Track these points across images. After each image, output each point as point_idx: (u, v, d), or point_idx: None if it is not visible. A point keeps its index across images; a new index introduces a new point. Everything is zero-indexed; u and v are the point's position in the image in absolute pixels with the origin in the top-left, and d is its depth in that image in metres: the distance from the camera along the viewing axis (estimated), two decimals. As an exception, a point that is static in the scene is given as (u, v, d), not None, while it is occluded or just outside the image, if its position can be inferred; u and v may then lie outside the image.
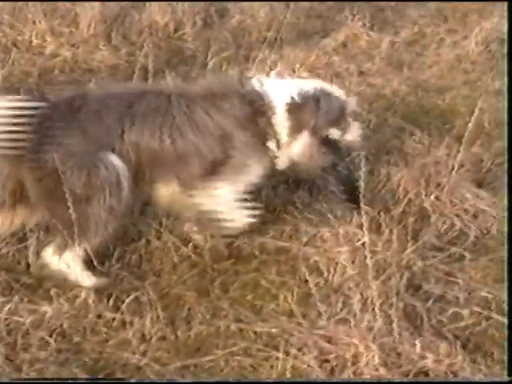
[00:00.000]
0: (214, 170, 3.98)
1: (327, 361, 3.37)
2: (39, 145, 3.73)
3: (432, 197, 4.49)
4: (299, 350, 3.43)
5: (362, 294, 3.66)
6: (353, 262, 3.91)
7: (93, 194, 3.76)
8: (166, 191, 4.04)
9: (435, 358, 3.32)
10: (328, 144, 4.13)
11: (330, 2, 7.35)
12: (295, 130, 4.07)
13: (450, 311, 3.71)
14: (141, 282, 3.89)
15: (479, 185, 4.70)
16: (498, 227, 4.32)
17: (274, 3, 6.94)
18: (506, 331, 3.58)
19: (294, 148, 4.10)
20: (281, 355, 3.40)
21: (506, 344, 3.51)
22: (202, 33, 6.70)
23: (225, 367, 3.43)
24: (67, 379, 3.35)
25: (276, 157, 4.10)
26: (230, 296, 3.87)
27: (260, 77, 4.22)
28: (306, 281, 3.75)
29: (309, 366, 3.35)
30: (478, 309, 3.73)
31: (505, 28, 5.72)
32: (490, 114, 5.30)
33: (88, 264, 3.89)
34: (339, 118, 4.15)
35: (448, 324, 3.64)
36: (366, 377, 3.27)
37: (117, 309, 3.72)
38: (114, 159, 3.81)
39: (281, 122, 4.05)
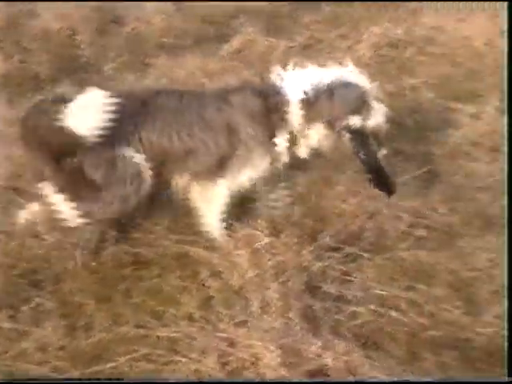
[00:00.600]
0: (221, 163, 4.12)
1: (228, 363, 3.40)
2: None
3: (330, 198, 4.56)
4: (201, 353, 3.45)
5: (261, 296, 3.71)
6: (252, 265, 3.94)
7: (112, 183, 3.95)
8: (181, 183, 4.23)
9: (334, 356, 3.38)
10: (350, 132, 4.15)
11: (225, 9, 7.40)
12: (310, 123, 4.13)
13: (347, 310, 3.79)
14: (39, 291, 3.84)
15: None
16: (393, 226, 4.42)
17: (169, 11, 6.95)
18: (506, 331, 3.65)
19: (311, 140, 4.18)
20: (183, 359, 3.42)
21: (506, 344, 3.58)
22: (97, 40, 6.64)
23: (127, 373, 3.42)
24: (67, 379, 3.37)
25: (281, 153, 4.17)
26: (131, 302, 3.86)
27: (281, 70, 4.22)
28: (206, 285, 3.79)
29: (211, 368, 3.37)
30: (374, 306, 3.81)
31: (505, 28, 5.80)
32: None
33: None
34: (358, 106, 4.14)
35: (346, 322, 3.72)
36: (267, 377, 3.32)
37: (14, 319, 3.66)
38: (133, 153, 4.00)
39: (295, 117, 4.11)
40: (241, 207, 4.31)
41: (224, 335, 3.51)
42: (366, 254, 4.21)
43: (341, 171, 4.69)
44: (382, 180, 4.15)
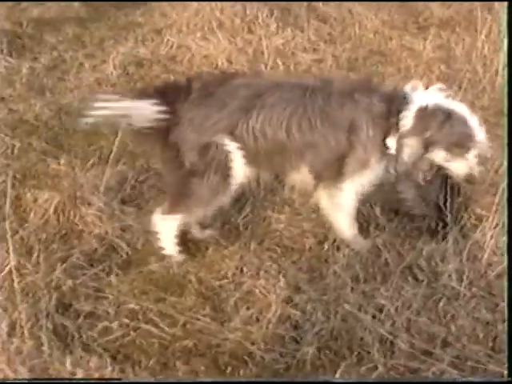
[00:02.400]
0: (339, 162, 4.15)
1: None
2: (170, 120, 4.10)
3: (81, 216, 4.55)
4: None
5: (10, 318, 3.61)
6: (0, 288, 3.84)
7: (201, 171, 4.13)
8: (298, 177, 4.31)
9: (86, 373, 3.37)
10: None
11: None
12: (411, 133, 4.08)
13: (100, 326, 3.80)
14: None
15: (124, 202, 4.83)
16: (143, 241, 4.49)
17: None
18: (506, 331, 3.71)
19: (403, 150, 4.13)
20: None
21: (506, 344, 3.65)
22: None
23: None
24: (67, 379, 3.32)
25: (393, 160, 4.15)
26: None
27: (416, 85, 4.22)
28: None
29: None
30: (126, 320, 3.85)
31: (505, 28, 5.78)
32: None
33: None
34: (457, 144, 4.11)
35: (98, 338, 3.72)
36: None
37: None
38: (230, 143, 4.13)
39: (406, 123, 4.07)
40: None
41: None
42: (118, 270, 4.23)
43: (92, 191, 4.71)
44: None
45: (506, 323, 3.73)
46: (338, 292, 3.99)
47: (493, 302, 3.91)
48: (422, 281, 4.03)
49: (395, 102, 4.15)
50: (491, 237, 4.23)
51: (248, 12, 7.27)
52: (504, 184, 4.21)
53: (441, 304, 3.89)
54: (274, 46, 6.90)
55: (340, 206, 4.32)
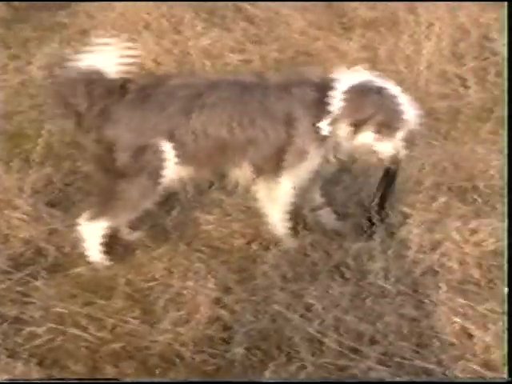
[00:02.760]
0: (279, 155, 4.19)
1: None
2: (105, 121, 4.08)
3: (6, 219, 4.49)
4: None
5: None
6: None
7: (132, 173, 4.11)
8: (241, 174, 4.33)
9: (11, 379, 3.32)
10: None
11: None
12: (341, 116, 4.13)
13: (26, 331, 3.74)
14: None
15: (52, 205, 4.77)
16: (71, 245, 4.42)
17: None
18: (506, 331, 3.69)
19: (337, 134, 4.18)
20: None
21: (506, 344, 3.63)
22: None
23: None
24: (67, 379, 3.37)
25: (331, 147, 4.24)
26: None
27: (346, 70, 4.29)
28: None
29: None
30: (53, 325, 3.80)
31: (505, 28, 5.75)
32: (58, 136, 5.38)
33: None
34: (385, 124, 4.13)
35: (24, 344, 3.67)
36: None
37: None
38: (167, 145, 4.12)
39: (335, 107, 4.12)
40: None
41: None
42: (45, 274, 4.17)
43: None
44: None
45: (505, 323, 3.76)
46: (267, 292, 4.01)
47: (418, 299, 3.98)
48: (350, 279, 4.08)
49: (327, 89, 4.19)
50: (416, 235, 4.30)
51: (174, 13, 7.26)
52: (504, 183, 4.41)
53: (368, 302, 3.93)
54: (201, 46, 6.90)
55: (276, 199, 4.36)
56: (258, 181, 4.34)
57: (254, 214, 4.58)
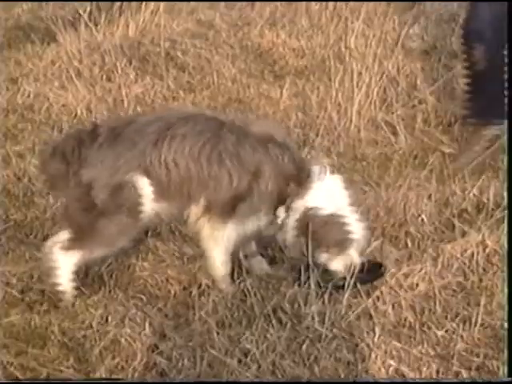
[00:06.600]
0: (234, 202, 4.21)
1: None
2: (81, 167, 4.13)
3: None
4: None
5: None
6: None
7: (111, 211, 4.14)
8: (194, 209, 4.29)
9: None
10: None
11: None
12: (295, 228, 4.34)
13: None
14: None
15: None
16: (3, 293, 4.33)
17: None
18: (506, 331, 3.73)
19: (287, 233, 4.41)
20: None
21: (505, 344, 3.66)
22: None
23: None
24: (67, 379, 3.45)
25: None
26: None
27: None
28: None
29: None
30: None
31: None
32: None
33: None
34: (335, 245, 4.35)
35: None
36: None
37: None
38: (142, 180, 4.13)
39: (292, 218, 4.32)
40: None
41: None
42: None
43: None
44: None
45: (506, 323, 3.86)
46: (203, 337, 4.00)
47: (353, 343, 4.03)
48: (286, 323, 4.10)
49: (300, 174, 4.31)
50: (350, 278, 4.36)
51: (107, 60, 7.27)
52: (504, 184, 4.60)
53: (304, 346, 3.96)
54: (133, 94, 6.91)
55: (220, 241, 4.35)
56: (206, 219, 4.33)
57: (189, 260, 4.59)
